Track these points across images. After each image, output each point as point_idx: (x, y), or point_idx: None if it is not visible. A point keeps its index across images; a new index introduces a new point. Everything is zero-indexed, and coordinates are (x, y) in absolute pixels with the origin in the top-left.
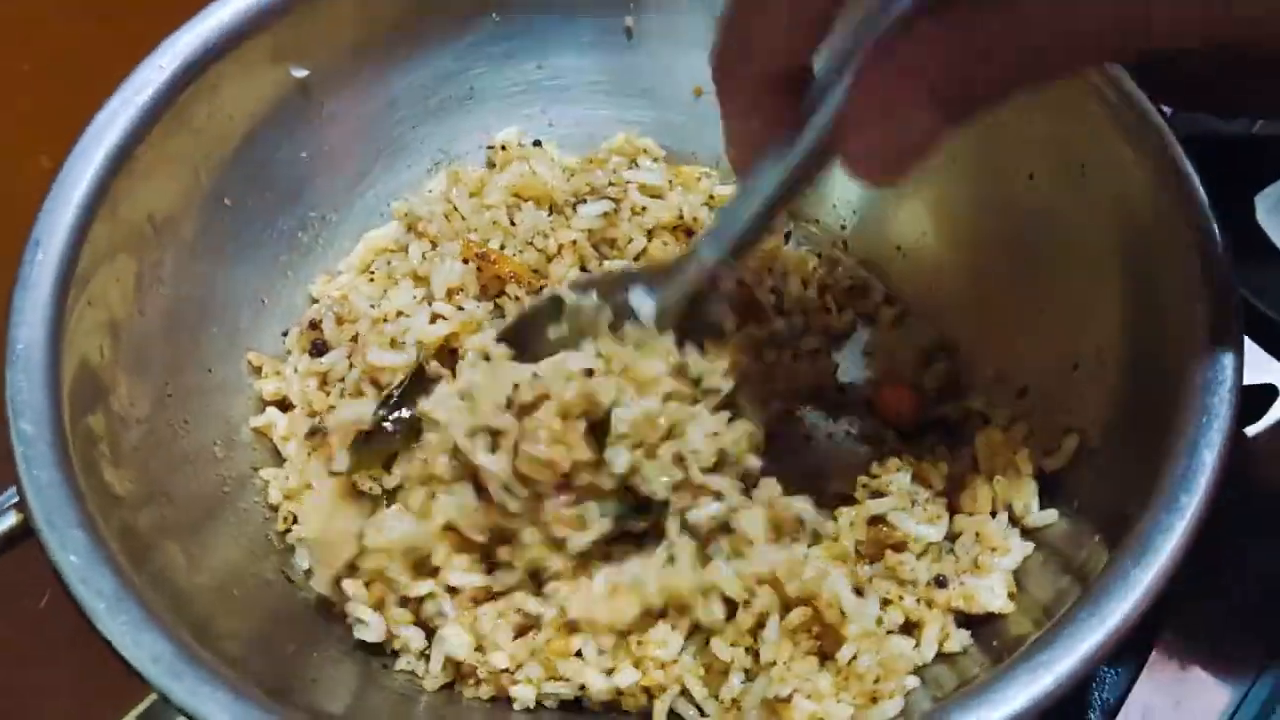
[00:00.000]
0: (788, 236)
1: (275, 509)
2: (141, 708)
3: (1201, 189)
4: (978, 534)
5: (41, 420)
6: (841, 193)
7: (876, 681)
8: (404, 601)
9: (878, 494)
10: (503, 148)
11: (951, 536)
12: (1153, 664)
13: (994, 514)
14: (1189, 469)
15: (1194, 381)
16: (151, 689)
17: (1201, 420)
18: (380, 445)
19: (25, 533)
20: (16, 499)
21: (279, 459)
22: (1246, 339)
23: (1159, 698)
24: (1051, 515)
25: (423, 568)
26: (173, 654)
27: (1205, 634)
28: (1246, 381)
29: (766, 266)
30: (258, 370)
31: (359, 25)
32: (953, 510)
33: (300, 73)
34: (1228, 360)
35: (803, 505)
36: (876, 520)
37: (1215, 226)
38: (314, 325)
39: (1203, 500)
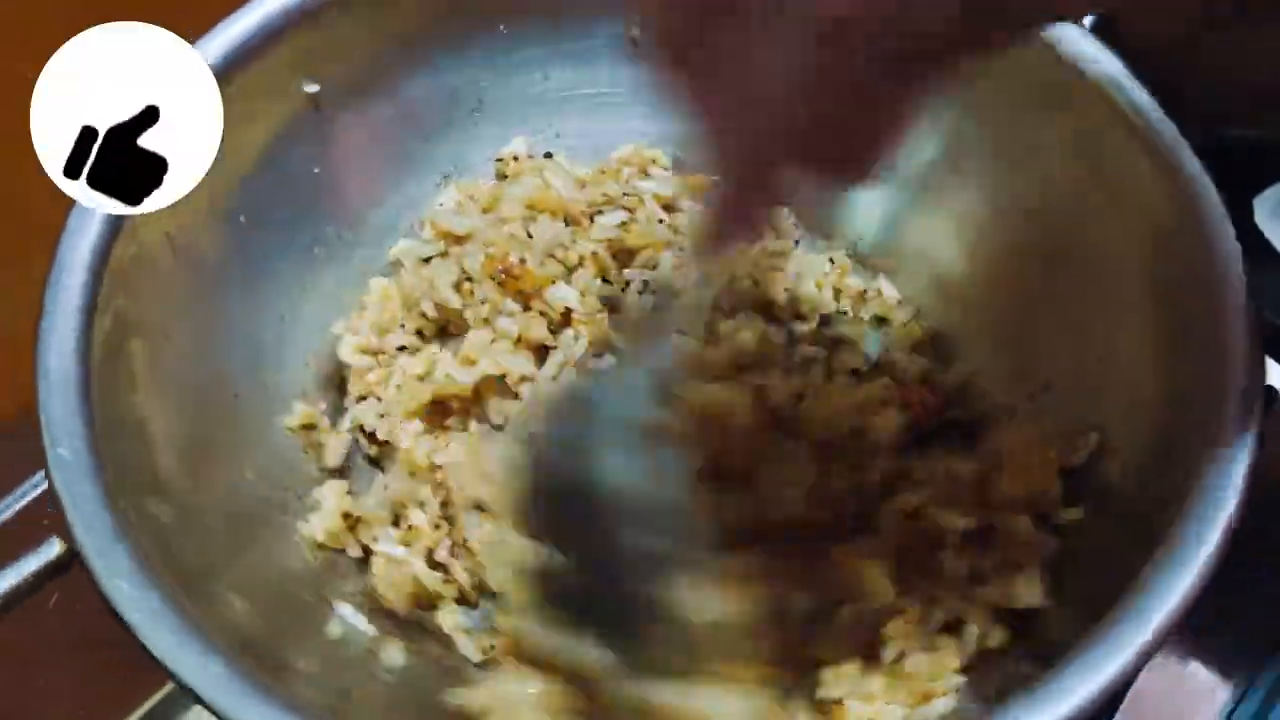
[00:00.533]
0: (796, 244)
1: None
2: (145, 709)
3: (1217, 200)
4: (1008, 530)
5: (80, 448)
6: (858, 203)
7: (927, 680)
8: None
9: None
10: (514, 159)
11: (982, 532)
12: (1153, 663)
13: (1021, 511)
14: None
15: (1221, 392)
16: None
17: (1229, 430)
18: None
19: (68, 563)
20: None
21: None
22: None
23: (1159, 692)
24: (1078, 512)
25: None
26: (222, 671)
27: (1206, 629)
28: None
29: (778, 268)
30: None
31: (368, 39)
32: (980, 507)
33: (312, 87)
34: (1254, 368)
35: None
36: (913, 515)
37: (1233, 235)
38: None
39: (1237, 503)
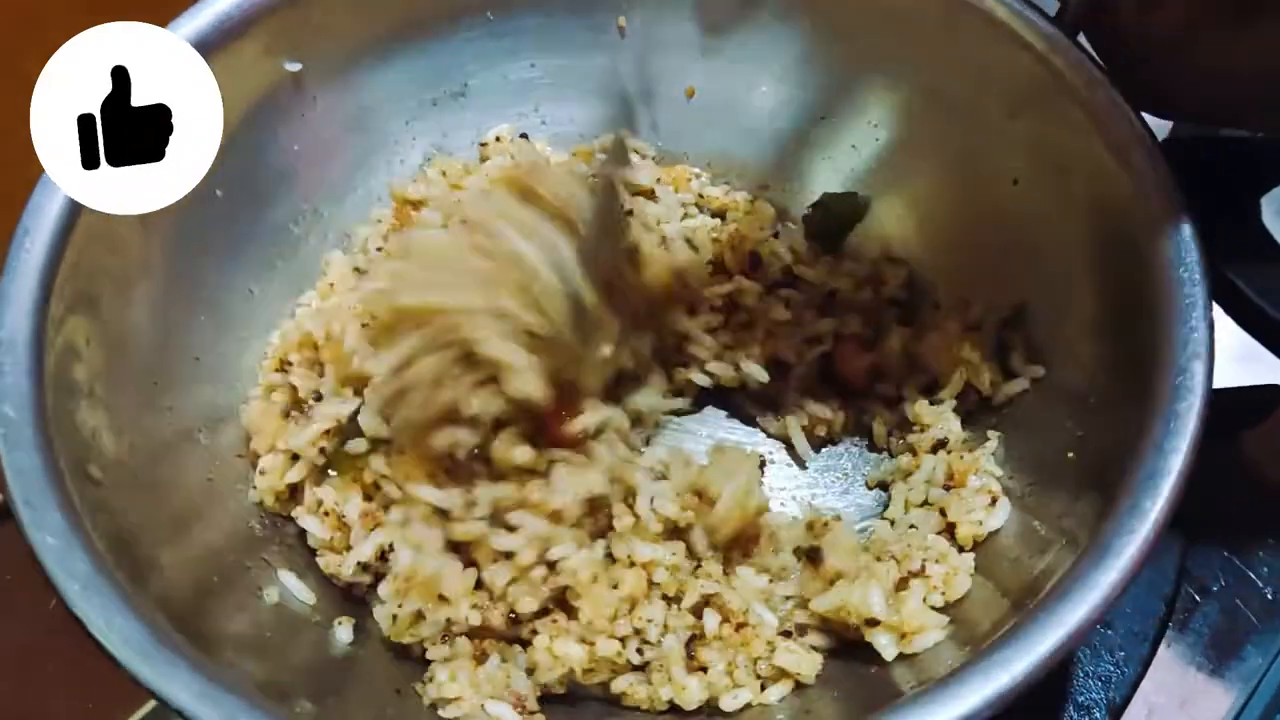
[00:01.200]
0: (776, 235)
1: (260, 504)
2: (148, 708)
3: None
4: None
5: (24, 405)
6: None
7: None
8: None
9: None
10: (497, 139)
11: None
12: (1158, 664)
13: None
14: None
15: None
16: (121, 672)
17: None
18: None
19: (3, 515)
20: None
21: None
22: (1251, 340)
23: (1165, 698)
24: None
25: None
26: (145, 637)
27: (1210, 635)
28: (1251, 382)
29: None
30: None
31: (354, 20)
32: None
33: (294, 66)
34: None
35: None
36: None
37: (1187, 217)
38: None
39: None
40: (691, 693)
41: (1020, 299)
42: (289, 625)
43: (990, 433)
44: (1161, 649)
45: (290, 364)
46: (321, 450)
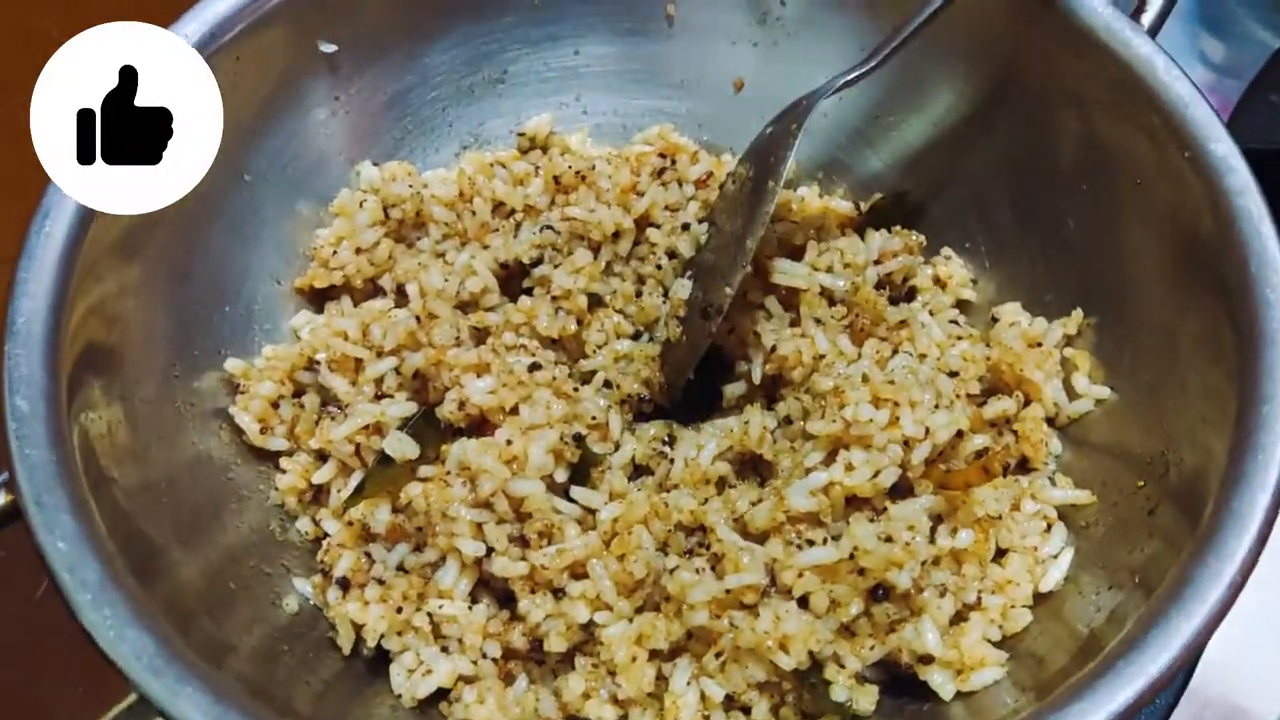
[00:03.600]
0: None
1: (281, 505)
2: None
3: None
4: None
5: (38, 397)
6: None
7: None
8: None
9: None
10: (531, 140)
11: None
12: (1192, 691)
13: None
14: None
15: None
16: (131, 685)
17: None
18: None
19: (15, 514)
20: (6, 478)
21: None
22: None
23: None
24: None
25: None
26: (155, 652)
27: (1241, 657)
28: None
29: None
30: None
31: (391, 2)
32: None
33: (329, 48)
34: None
35: None
36: None
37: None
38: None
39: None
40: None
41: (1087, 314)
42: (306, 638)
43: (1048, 456)
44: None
45: (316, 364)
46: (356, 450)
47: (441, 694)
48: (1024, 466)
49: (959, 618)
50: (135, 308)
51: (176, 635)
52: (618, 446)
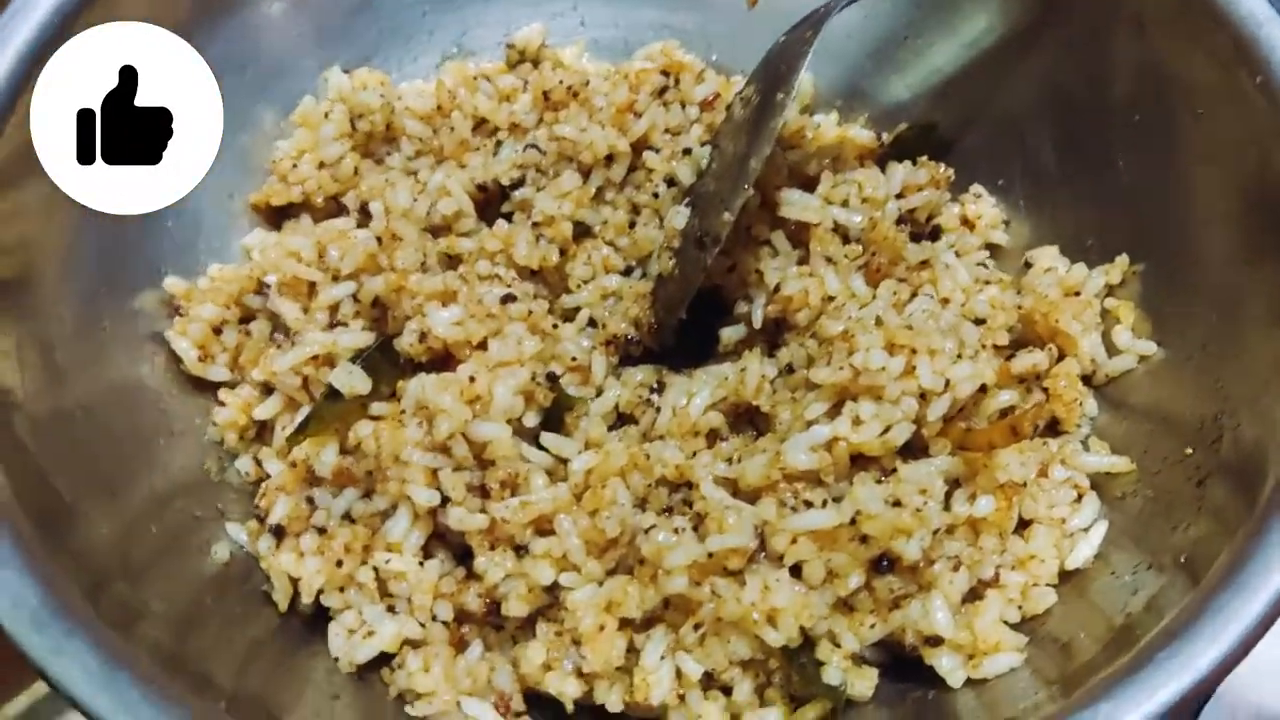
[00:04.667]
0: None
1: (220, 441)
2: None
3: None
4: None
5: None
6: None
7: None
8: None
9: None
10: (521, 53)
11: None
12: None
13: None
14: None
15: None
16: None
17: None
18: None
19: None
20: None
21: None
22: None
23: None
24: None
25: None
26: (40, 602)
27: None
28: None
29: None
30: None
31: None
32: None
33: None
34: None
35: None
36: None
37: None
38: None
39: None
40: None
41: (1133, 261)
42: (237, 592)
43: (1082, 417)
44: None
45: (266, 286)
46: (304, 383)
47: (385, 659)
48: (1054, 429)
49: (973, 595)
50: (51, 218)
51: (74, 586)
52: (600, 392)
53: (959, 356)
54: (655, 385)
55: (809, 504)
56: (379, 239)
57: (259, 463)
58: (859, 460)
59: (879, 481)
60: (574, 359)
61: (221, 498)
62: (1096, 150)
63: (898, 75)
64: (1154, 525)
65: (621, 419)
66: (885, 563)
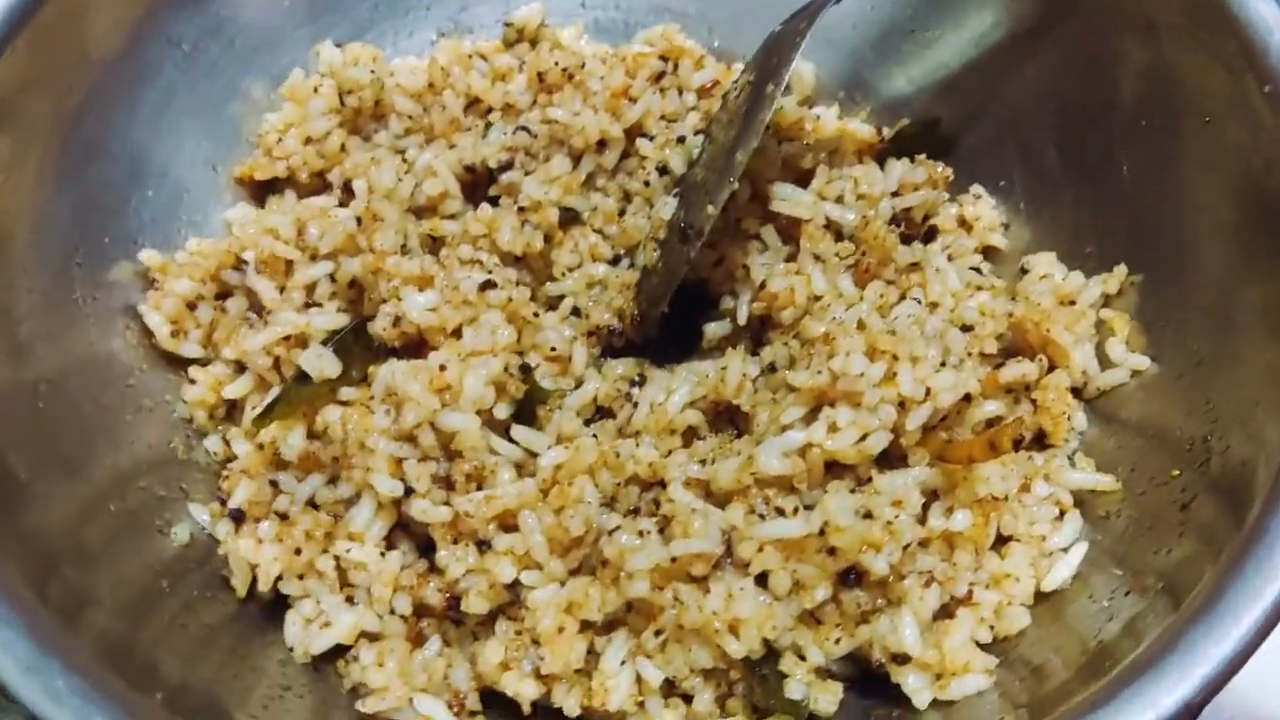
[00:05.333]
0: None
1: (189, 419)
2: None
3: None
4: None
5: None
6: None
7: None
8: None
9: None
10: (519, 32)
11: None
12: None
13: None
14: None
15: None
16: None
17: None
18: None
19: None
20: None
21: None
22: None
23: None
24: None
25: None
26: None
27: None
28: None
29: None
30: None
31: None
32: None
33: None
34: None
35: None
36: None
37: None
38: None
39: None
40: None
41: (1132, 271)
42: (195, 575)
43: (1070, 432)
44: None
45: (244, 263)
46: (276, 363)
47: (342, 650)
48: (1040, 441)
49: (945, 612)
50: (31, 178)
51: (16, 569)
52: (579, 383)
53: (943, 364)
54: (636, 379)
55: (780, 510)
56: (359, 219)
57: (227, 442)
58: (834, 468)
59: (853, 490)
60: (553, 349)
61: (186, 477)
62: (1100, 154)
63: (901, 68)
64: (1137, 548)
65: (600, 412)
66: (853, 576)
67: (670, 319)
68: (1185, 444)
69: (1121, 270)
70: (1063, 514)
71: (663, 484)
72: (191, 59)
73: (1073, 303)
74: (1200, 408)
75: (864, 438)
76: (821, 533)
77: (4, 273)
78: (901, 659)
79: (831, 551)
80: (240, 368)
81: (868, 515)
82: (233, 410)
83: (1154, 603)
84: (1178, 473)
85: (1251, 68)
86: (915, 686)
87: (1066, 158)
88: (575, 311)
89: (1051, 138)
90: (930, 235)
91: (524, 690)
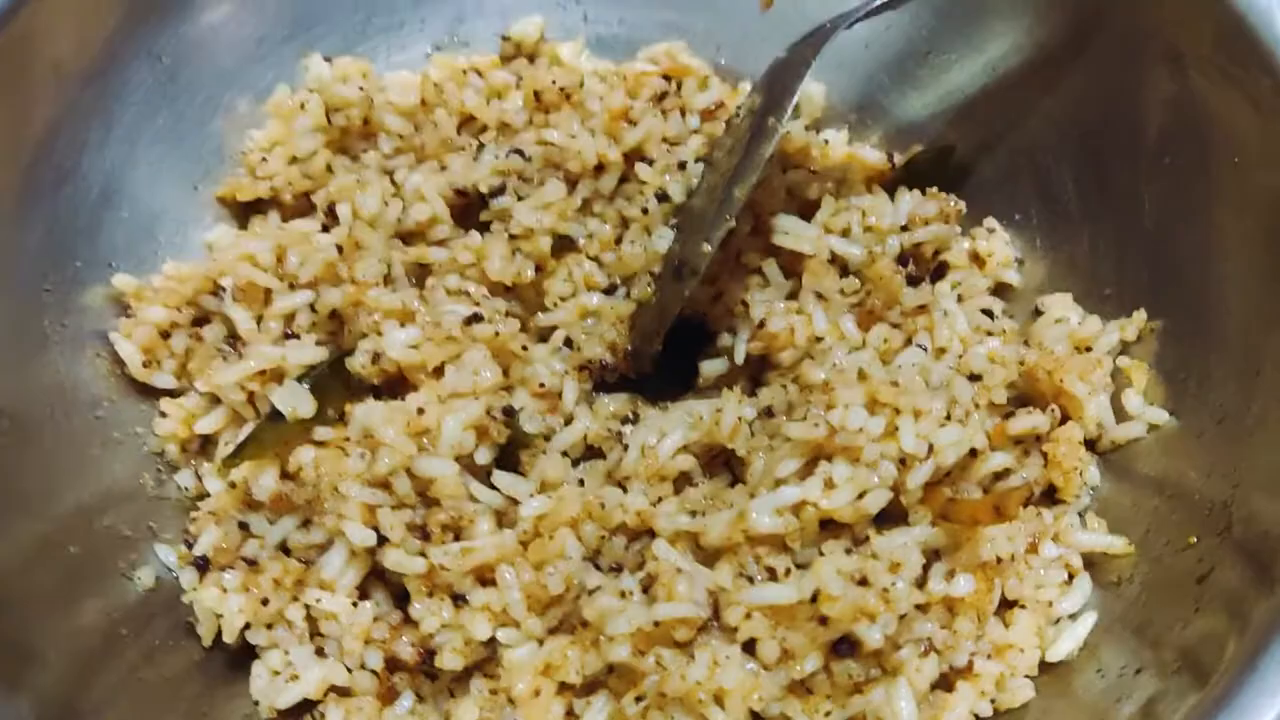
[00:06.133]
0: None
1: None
2: None
3: None
4: None
5: None
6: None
7: None
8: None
9: None
10: (517, 46)
11: None
12: None
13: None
14: None
15: None
16: None
17: None
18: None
19: None
20: None
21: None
22: None
23: None
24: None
25: None
26: None
27: None
28: None
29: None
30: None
31: None
32: None
33: None
34: None
35: None
36: None
37: None
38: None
39: None
40: None
41: (1152, 317)
42: (159, 622)
43: (1082, 488)
44: None
45: (222, 289)
46: (250, 398)
47: (309, 706)
48: (1051, 496)
49: (943, 683)
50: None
51: None
52: (569, 420)
53: (948, 418)
54: (628, 416)
55: (771, 571)
56: (340, 247)
57: (200, 478)
58: (830, 525)
59: (849, 551)
60: (542, 384)
61: (156, 514)
62: (1122, 190)
63: (916, 92)
64: (1152, 619)
65: (589, 451)
66: (846, 645)
67: (666, 354)
68: (1205, 508)
69: (1141, 315)
70: (1072, 577)
71: (651, 533)
72: (172, 73)
73: (1089, 349)
74: (1221, 469)
75: (861, 496)
76: (813, 600)
77: None
78: None
79: (823, 620)
80: (215, 399)
81: (863, 582)
82: (206, 444)
83: (1170, 683)
84: (1195, 539)
85: None
86: None
87: (1086, 192)
88: (567, 343)
89: (1071, 170)
90: (941, 271)
91: None
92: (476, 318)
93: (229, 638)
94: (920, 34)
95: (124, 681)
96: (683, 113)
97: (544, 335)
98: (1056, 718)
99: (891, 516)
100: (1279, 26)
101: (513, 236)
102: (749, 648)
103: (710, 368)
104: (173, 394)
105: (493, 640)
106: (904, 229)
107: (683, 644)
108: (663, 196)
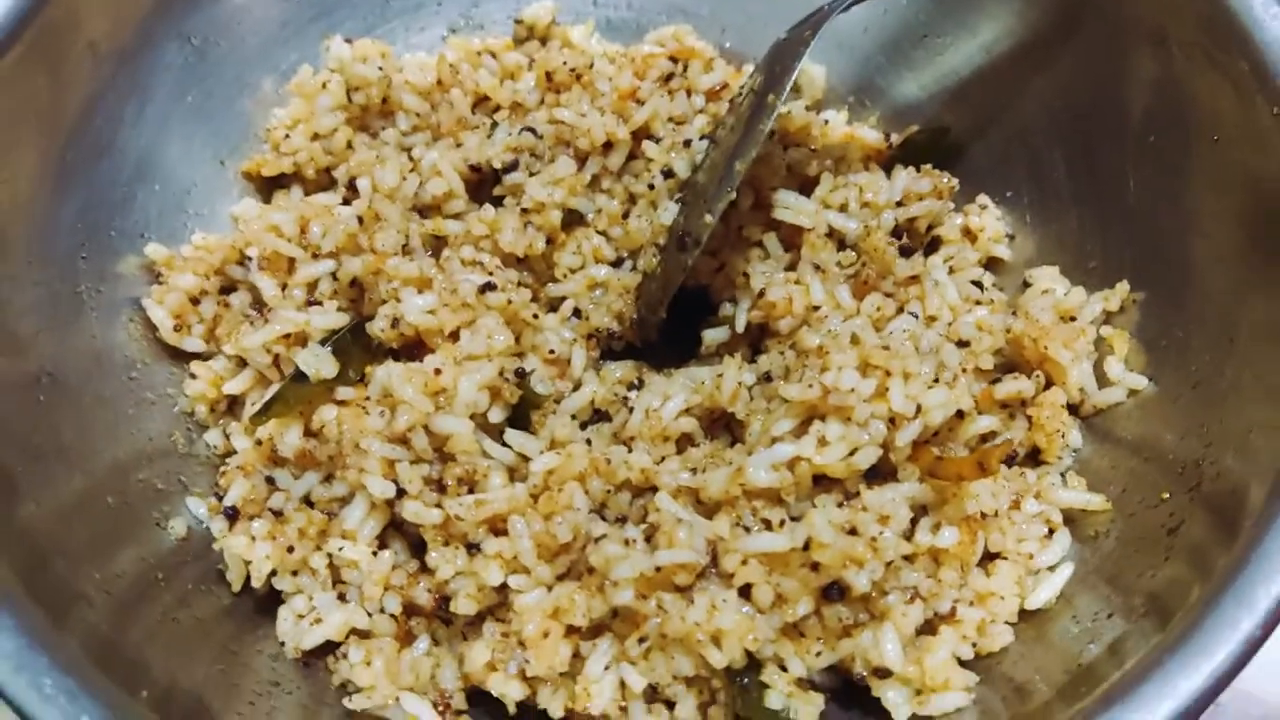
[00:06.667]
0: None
1: (191, 413)
2: None
3: None
4: None
5: None
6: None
7: None
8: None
9: None
10: (530, 29)
11: None
12: None
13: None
14: None
15: None
16: None
17: None
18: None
19: None
20: None
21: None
22: None
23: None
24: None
25: None
26: None
27: None
28: None
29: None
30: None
31: None
32: None
33: None
34: None
35: None
36: None
37: None
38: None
39: None
40: None
41: (1134, 289)
42: (190, 568)
43: (1064, 449)
44: None
45: (248, 258)
46: (275, 361)
47: (332, 647)
48: (1034, 458)
49: (927, 628)
50: (37, 173)
51: (4, 562)
52: (577, 385)
53: (936, 381)
54: (633, 383)
55: (767, 522)
56: (360, 219)
57: (228, 436)
58: (822, 481)
59: (840, 505)
60: (552, 351)
61: (186, 470)
62: (1108, 169)
63: (912, 74)
64: (1124, 569)
65: (597, 415)
66: (836, 591)
67: (670, 323)
68: (1178, 467)
69: (1124, 287)
70: (1052, 532)
71: (654, 490)
72: (202, 54)
73: (1073, 319)
74: (1195, 430)
75: (853, 453)
76: (805, 548)
77: (8, 265)
78: (883, 673)
79: (814, 567)
80: (242, 362)
81: (852, 531)
82: (234, 405)
83: (1138, 624)
84: (1167, 495)
85: (1262, 89)
86: (895, 701)
87: (1074, 170)
88: (576, 313)
89: (1060, 150)
90: (934, 245)
91: (509, 691)
92: (490, 286)
93: (256, 583)
94: (916, 17)
95: (160, 623)
96: (688, 93)
97: (554, 305)
98: (1032, 661)
99: (881, 473)
100: (1257, 10)
101: (524, 210)
102: (745, 593)
103: (712, 335)
104: (202, 357)
105: (504, 586)
106: (899, 204)
107: (683, 589)
108: (668, 173)
